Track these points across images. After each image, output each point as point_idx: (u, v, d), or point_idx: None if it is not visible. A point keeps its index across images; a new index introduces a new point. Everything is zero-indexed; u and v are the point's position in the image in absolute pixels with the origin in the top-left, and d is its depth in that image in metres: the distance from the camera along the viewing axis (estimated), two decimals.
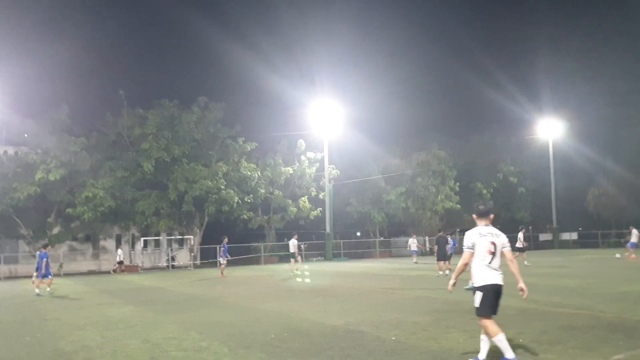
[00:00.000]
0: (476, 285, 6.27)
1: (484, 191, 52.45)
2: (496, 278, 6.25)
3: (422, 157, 51.78)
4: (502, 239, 6.36)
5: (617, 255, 28.96)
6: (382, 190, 46.61)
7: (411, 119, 75.13)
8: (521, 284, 6.40)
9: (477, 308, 6.25)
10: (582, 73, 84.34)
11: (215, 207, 37.60)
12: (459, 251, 19.04)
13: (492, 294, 6.22)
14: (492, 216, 6.55)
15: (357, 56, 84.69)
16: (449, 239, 22.15)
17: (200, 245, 40.08)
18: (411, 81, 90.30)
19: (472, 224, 6.54)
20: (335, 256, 40.99)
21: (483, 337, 6.34)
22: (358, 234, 54.71)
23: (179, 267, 36.43)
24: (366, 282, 19.07)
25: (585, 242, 49.93)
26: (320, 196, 42.06)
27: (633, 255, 25.77)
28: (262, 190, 39.90)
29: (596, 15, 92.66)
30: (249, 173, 38.88)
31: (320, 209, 41.89)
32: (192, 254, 38.63)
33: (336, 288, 17.24)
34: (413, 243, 34.67)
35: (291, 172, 41.28)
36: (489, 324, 6.14)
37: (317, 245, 43.98)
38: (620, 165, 51.71)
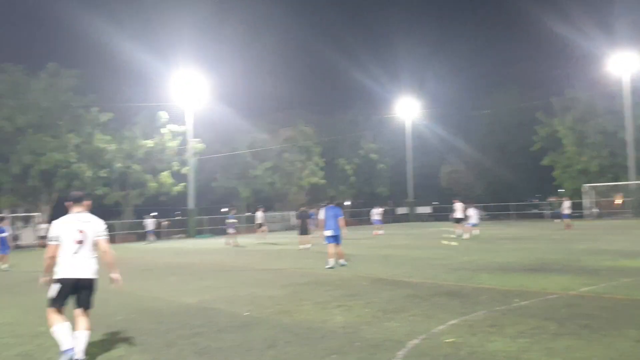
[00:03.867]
0: (55, 276, 5.72)
1: (347, 167, 54.34)
2: (81, 271, 5.73)
3: (289, 133, 52.21)
4: (94, 227, 5.85)
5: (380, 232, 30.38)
6: (249, 165, 46.36)
7: (278, 94, 75.14)
8: (114, 275, 5.99)
9: (49, 298, 5.75)
10: (438, 57, 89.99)
11: (65, 182, 34.91)
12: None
13: (70, 287, 5.70)
14: (86, 203, 6.04)
15: (222, 28, 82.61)
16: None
17: (49, 223, 37.10)
18: (278, 56, 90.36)
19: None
20: (199, 233, 40.08)
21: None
22: (224, 209, 54.10)
23: (24, 247, 33.41)
24: (227, 259, 18.82)
25: (438, 215, 53.50)
26: (184, 171, 40.65)
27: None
28: (119, 164, 37.71)
29: (451, 2, 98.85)
30: (104, 146, 36.54)
31: (184, 184, 40.56)
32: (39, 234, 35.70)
33: (194, 265, 16.83)
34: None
35: (151, 145, 39.34)
36: (51, 313, 5.70)
37: (181, 222, 42.77)
38: (470, 145, 56.17)
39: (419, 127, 56.52)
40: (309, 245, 20.63)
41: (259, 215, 29.81)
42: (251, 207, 51.26)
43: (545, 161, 48.13)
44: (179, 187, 40.45)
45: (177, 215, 48.32)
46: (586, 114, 44.45)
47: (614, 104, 42.19)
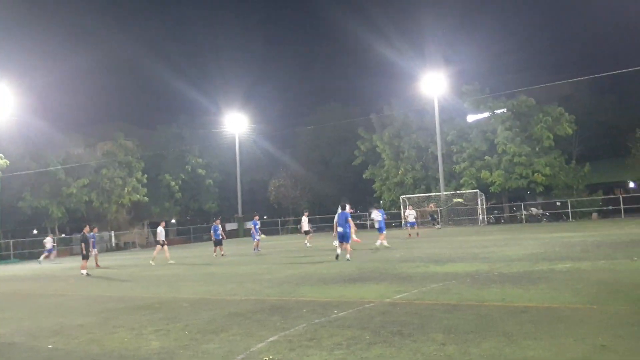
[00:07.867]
0: None
1: (173, 183, 52.63)
2: None
3: (108, 147, 49.28)
4: None
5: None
6: (62, 183, 42.74)
7: (96, 106, 70.82)
8: None
9: None
10: (265, 74, 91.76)
11: None
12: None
13: None
14: None
15: (35, 37, 75.90)
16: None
17: None
18: (96, 68, 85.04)
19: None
20: (4, 258, 35.84)
21: None
22: (34, 232, 49.13)
23: None
24: (33, 286, 16.99)
25: (268, 229, 53.88)
26: None
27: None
28: None
29: (274, 22, 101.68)
30: None
31: None
32: None
33: None
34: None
35: None
36: None
37: None
38: (296, 159, 57.77)
39: (247, 142, 56.77)
40: (84, 271, 19.35)
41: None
42: (64, 229, 47.38)
43: (366, 174, 51.19)
44: None
45: None
46: (402, 130, 48.30)
47: (426, 121, 46.44)
